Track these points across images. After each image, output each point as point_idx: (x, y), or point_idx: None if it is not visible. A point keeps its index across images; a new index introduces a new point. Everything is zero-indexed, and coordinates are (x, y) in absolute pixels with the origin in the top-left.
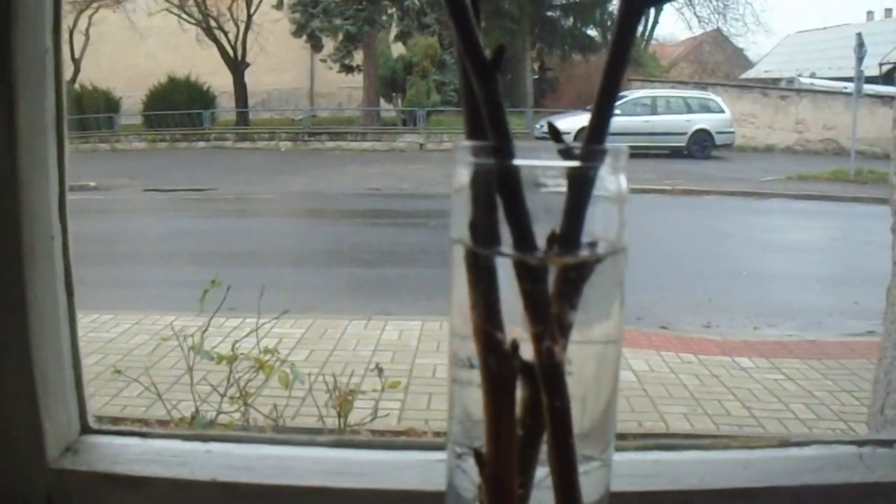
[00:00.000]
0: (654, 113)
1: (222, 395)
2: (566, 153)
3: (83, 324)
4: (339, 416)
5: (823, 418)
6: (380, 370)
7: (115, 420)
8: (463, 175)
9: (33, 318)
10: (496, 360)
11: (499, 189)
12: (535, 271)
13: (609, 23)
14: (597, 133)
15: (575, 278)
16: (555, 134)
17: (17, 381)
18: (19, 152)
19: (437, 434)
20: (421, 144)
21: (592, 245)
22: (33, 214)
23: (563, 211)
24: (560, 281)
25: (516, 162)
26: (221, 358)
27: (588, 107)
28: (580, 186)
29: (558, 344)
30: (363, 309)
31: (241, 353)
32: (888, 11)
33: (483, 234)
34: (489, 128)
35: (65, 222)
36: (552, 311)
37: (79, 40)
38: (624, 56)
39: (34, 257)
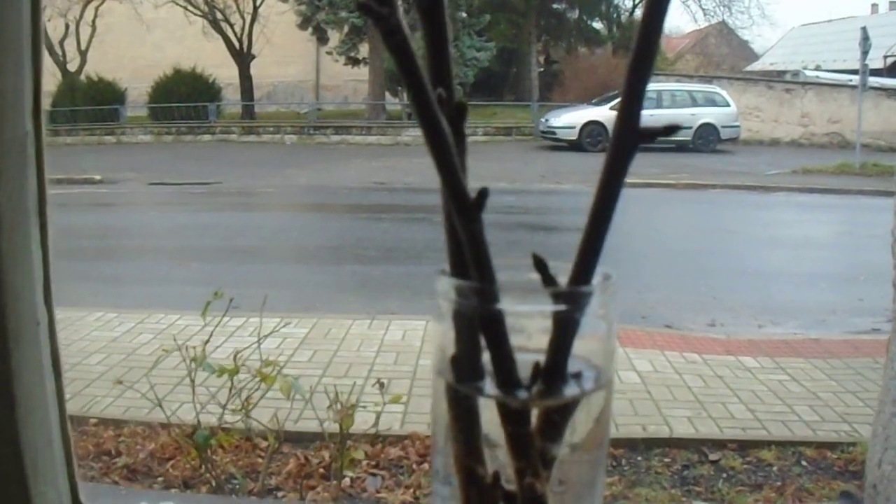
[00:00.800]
0: (660, 106)
1: (223, 407)
2: (552, 287)
3: (87, 322)
4: (341, 429)
5: (828, 420)
6: (381, 385)
7: (118, 422)
8: (445, 308)
9: (21, 402)
10: (477, 492)
11: (482, 330)
12: (518, 413)
13: (615, 15)
14: (584, 271)
15: (558, 418)
16: (541, 268)
17: (7, 465)
18: (2, 238)
19: None
20: None
21: (577, 376)
22: (18, 300)
23: (547, 345)
24: (543, 420)
25: (500, 306)
26: (223, 371)
27: (594, 100)
28: (565, 327)
29: (540, 479)
30: (367, 307)
31: (243, 364)
32: (892, 4)
33: (465, 370)
34: (472, 268)
35: (50, 307)
36: (535, 447)
37: (85, 32)
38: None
39: (20, 343)
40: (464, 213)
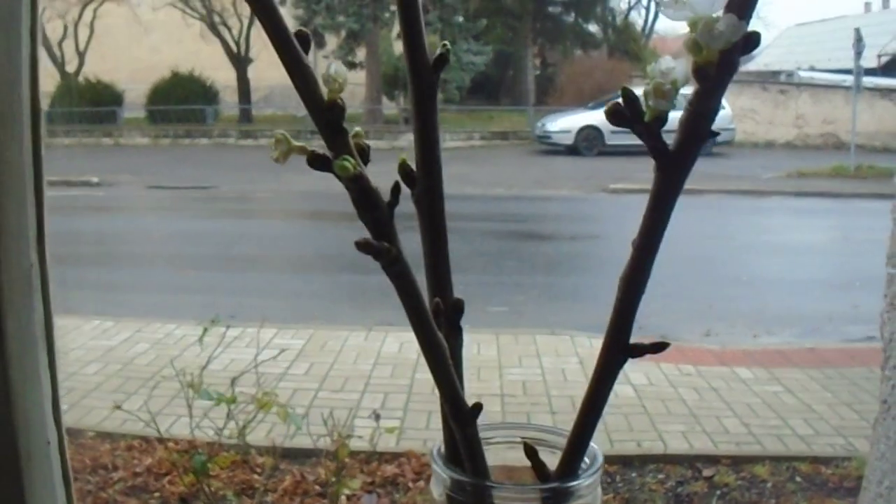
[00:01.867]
0: None
1: (219, 432)
2: (542, 485)
3: (84, 331)
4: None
5: (822, 434)
6: (377, 416)
7: (114, 436)
8: (439, 490)
9: None
10: None
11: None
12: None
13: (610, 18)
14: (573, 460)
15: None
16: (532, 458)
17: None
18: (10, 366)
19: None
20: None
21: None
22: (29, 423)
23: None
24: None
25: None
26: (220, 399)
27: (589, 104)
28: None
29: None
30: (364, 318)
31: (240, 391)
32: (885, 2)
33: None
34: (466, 461)
35: (60, 427)
36: None
37: (83, 33)
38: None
39: (31, 463)
40: (460, 419)
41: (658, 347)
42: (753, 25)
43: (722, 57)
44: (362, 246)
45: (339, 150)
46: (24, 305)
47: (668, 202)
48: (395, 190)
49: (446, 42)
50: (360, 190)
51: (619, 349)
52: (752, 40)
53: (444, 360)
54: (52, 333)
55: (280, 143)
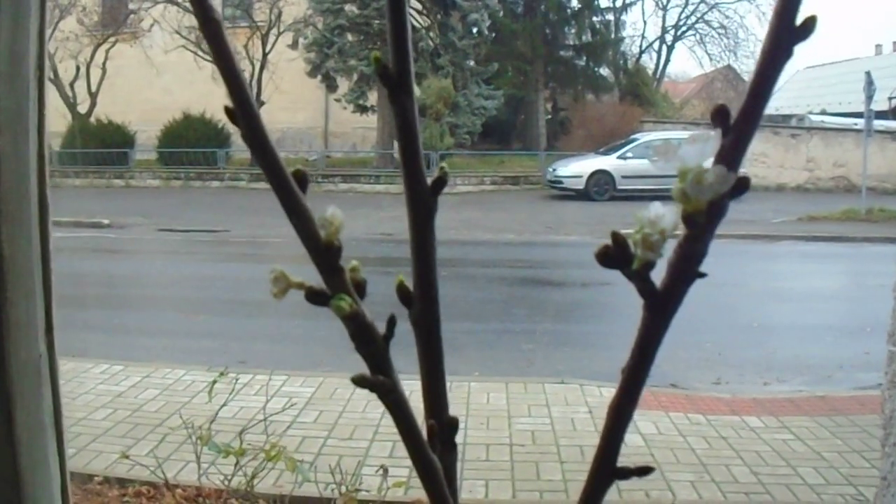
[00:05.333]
0: None
1: (228, 482)
2: None
3: (93, 374)
4: None
5: (833, 483)
6: (385, 471)
7: (122, 481)
8: None
9: None
10: None
11: None
12: None
13: (622, 62)
14: None
15: None
16: None
17: None
18: (19, 453)
19: None
20: None
21: None
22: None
23: None
24: None
25: None
26: (228, 452)
27: (601, 149)
28: None
29: None
30: None
31: (248, 445)
32: None
33: None
34: None
35: (66, 500)
36: None
37: (95, 74)
38: None
39: None
40: None
41: (643, 471)
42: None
43: (711, 204)
44: (359, 381)
45: (336, 289)
46: (34, 394)
47: (656, 340)
48: (391, 323)
49: (444, 165)
50: (357, 326)
51: (606, 473)
52: (742, 186)
53: (437, 480)
54: (61, 421)
55: (278, 280)
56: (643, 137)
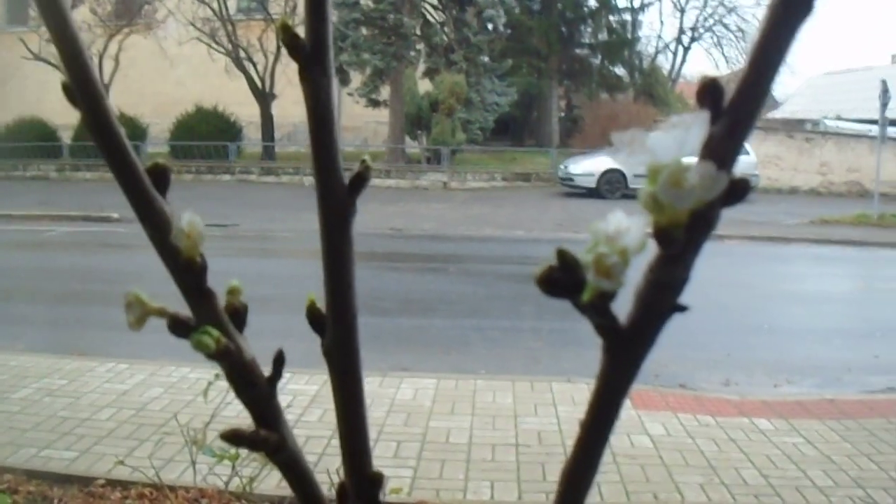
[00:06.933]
0: None
1: (226, 486)
2: None
3: (98, 373)
4: None
5: (841, 485)
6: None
7: (125, 484)
8: None
9: None
10: None
11: None
12: None
13: (637, 62)
14: None
15: None
16: None
17: None
18: None
19: None
20: (444, 183)
21: None
22: None
23: None
24: None
25: None
26: (223, 456)
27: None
28: None
29: None
30: (379, 362)
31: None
32: None
33: None
34: None
35: None
36: None
37: (108, 65)
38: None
39: None
40: None
41: None
42: (781, 73)
43: (694, 215)
44: (232, 439)
45: (203, 317)
46: None
47: (619, 391)
48: (278, 362)
49: (366, 158)
50: (232, 366)
51: None
52: (740, 190)
53: None
54: None
55: (133, 307)
56: None
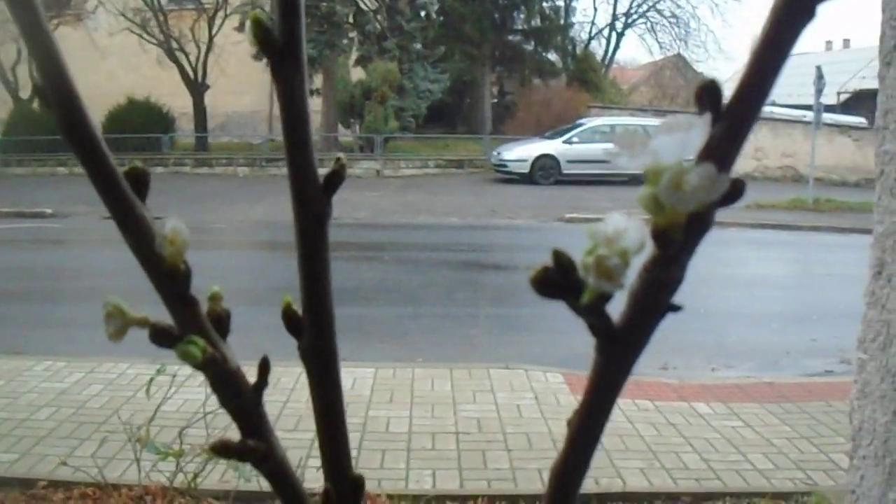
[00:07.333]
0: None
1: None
2: None
3: (36, 372)
4: None
5: (782, 468)
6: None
7: (67, 484)
8: None
9: None
10: None
11: None
12: None
13: (570, 47)
14: None
15: None
16: None
17: None
18: None
19: (390, 497)
20: (378, 171)
21: None
22: None
23: None
24: None
25: None
26: (167, 453)
27: (546, 134)
28: None
29: None
30: None
31: (188, 445)
32: (846, 42)
33: None
34: None
35: None
36: None
37: None
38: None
39: None
40: None
41: None
42: (715, 59)
43: (692, 216)
44: (220, 451)
45: (187, 326)
46: None
47: (612, 390)
48: (263, 369)
49: (341, 156)
50: (217, 375)
51: None
52: (736, 191)
53: None
54: None
55: (113, 317)
56: (589, 122)
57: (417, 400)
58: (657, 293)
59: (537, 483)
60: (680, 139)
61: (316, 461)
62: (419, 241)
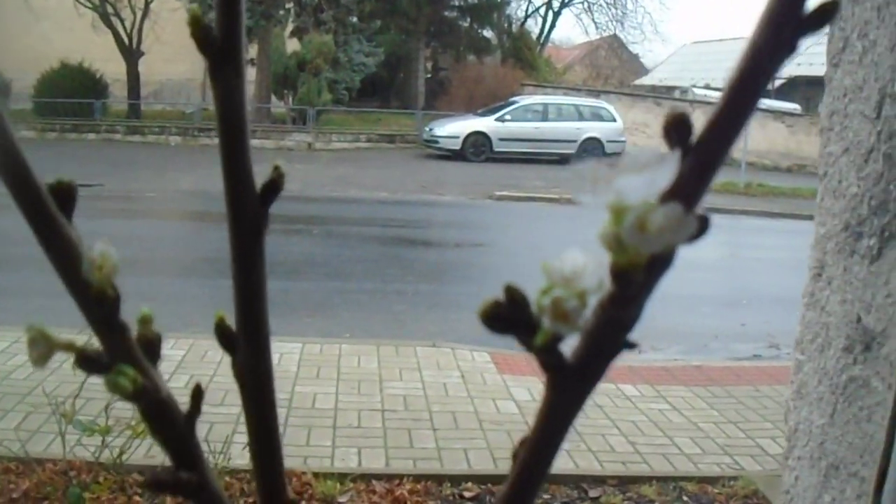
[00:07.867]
0: (546, 119)
1: (97, 460)
2: None
3: None
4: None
5: (709, 452)
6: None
7: None
8: None
9: None
10: None
11: None
12: None
13: (506, 24)
14: None
15: None
16: None
17: None
18: None
19: (316, 475)
20: (310, 144)
21: None
22: None
23: None
24: None
25: None
26: (93, 430)
27: (479, 111)
28: None
29: None
30: None
31: (115, 421)
32: None
33: None
34: None
35: None
36: None
37: None
38: None
39: None
40: None
41: None
42: (651, 41)
43: (654, 256)
44: (152, 485)
45: (116, 354)
46: None
47: (560, 428)
48: (196, 395)
49: (279, 165)
50: (148, 405)
51: None
52: (703, 228)
53: None
54: None
55: (36, 343)
56: (522, 101)
57: (344, 376)
58: (613, 332)
59: (463, 463)
60: (648, 179)
61: (242, 436)
62: (349, 215)
